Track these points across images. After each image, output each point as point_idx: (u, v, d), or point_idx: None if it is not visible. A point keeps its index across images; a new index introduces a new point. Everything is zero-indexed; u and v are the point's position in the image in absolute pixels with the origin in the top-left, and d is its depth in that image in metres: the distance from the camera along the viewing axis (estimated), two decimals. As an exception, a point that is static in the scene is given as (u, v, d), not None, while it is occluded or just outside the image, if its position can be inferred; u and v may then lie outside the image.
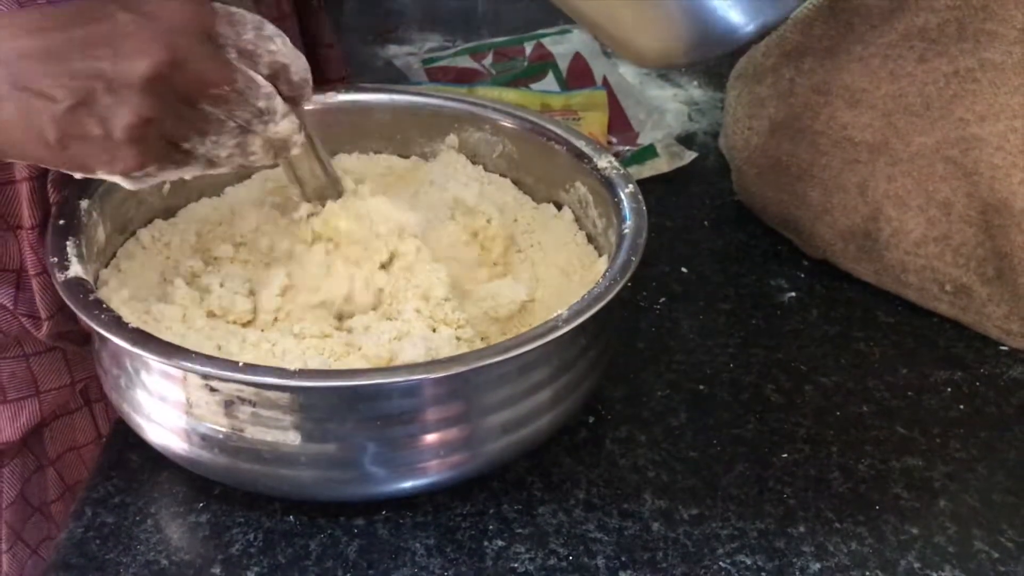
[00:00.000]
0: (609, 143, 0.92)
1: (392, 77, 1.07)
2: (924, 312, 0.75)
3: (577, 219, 0.70)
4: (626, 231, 0.61)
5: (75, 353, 0.68)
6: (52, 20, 0.48)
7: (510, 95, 0.96)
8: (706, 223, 0.85)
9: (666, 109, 0.99)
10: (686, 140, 0.95)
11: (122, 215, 0.65)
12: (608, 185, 0.65)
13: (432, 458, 0.55)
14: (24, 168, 0.60)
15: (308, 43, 0.80)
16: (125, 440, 0.61)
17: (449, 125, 0.73)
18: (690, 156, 0.91)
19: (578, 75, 1.01)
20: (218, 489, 0.59)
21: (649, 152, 0.91)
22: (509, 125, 0.72)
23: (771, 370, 0.70)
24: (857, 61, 0.74)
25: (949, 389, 0.69)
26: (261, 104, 0.51)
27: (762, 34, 0.60)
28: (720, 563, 0.56)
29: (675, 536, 0.57)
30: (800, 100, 0.77)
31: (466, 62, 1.05)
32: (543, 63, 1.03)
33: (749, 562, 0.56)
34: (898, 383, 0.69)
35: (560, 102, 0.97)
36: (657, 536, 0.57)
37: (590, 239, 0.69)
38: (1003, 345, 0.72)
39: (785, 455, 0.63)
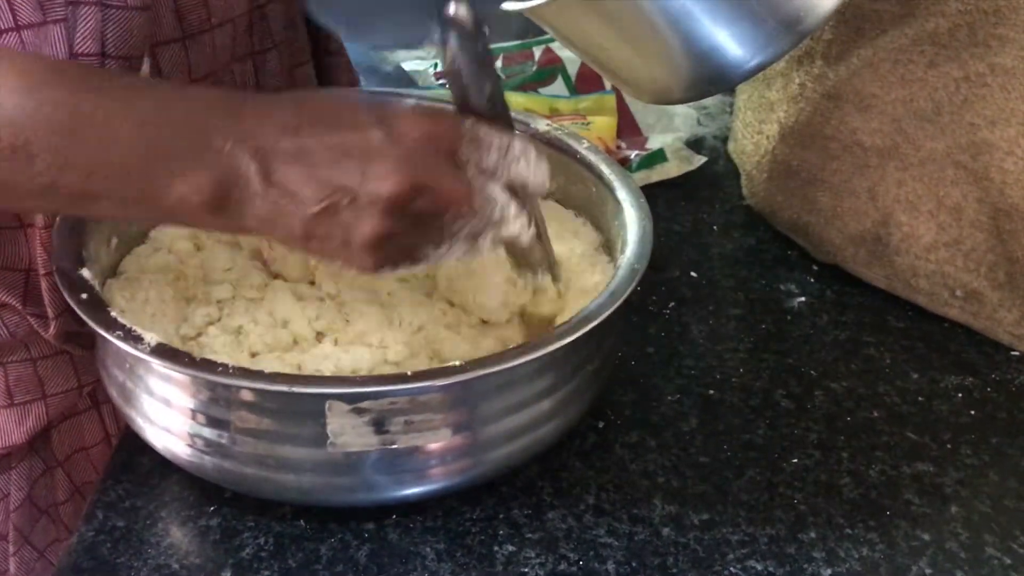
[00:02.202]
0: (618, 147, 0.91)
1: (402, 82, 1.07)
2: (935, 317, 0.75)
3: (587, 223, 0.70)
4: (630, 241, 0.61)
5: (81, 357, 0.68)
6: (308, 120, 0.50)
7: (519, 100, 0.96)
8: (715, 228, 0.85)
9: (675, 113, 0.99)
10: (695, 144, 0.95)
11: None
12: (612, 193, 0.65)
13: (436, 465, 0.55)
14: None
15: (316, 52, 0.80)
16: (136, 444, 0.61)
17: None
18: (699, 160, 0.91)
19: (587, 79, 1.01)
20: (229, 493, 0.59)
21: (658, 156, 0.91)
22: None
23: (781, 375, 0.69)
24: (867, 66, 0.74)
25: (960, 394, 0.68)
26: (495, 216, 0.52)
27: (758, 72, 0.60)
28: (730, 569, 0.56)
29: (685, 542, 0.57)
30: (810, 105, 0.77)
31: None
32: (552, 67, 1.03)
33: (760, 568, 0.56)
34: (909, 388, 0.69)
35: (569, 106, 0.97)
36: (667, 541, 0.57)
37: (603, 245, 0.69)
38: (1014, 350, 0.72)
39: (795, 460, 0.63)
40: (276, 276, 0.64)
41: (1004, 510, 0.60)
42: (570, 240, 0.69)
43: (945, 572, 0.56)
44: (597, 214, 0.69)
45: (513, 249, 0.59)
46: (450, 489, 0.57)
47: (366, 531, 0.57)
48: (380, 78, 1.10)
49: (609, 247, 0.67)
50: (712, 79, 0.60)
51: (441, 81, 1.04)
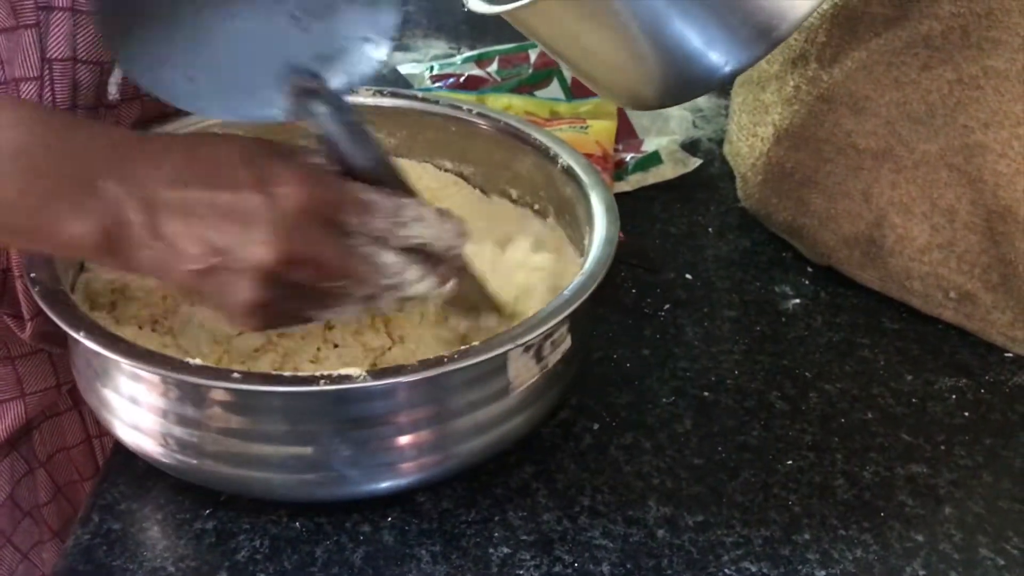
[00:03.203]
0: (615, 150, 0.92)
1: (398, 85, 1.07)
2: (929, 319, 0.75)
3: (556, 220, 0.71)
4: (594, 245, 0.61)
5: (60, 355, 0.68)
6: (195, 173, 0.49)
7: (518, 103, 0.97)
8: (711, 230, 0.85)
9: (670, 116, 0.99)
10: (691, 147, 0.96)
11: None
12: (581, 189, 0.66)
13: (405, 459, 0.56)
14: None
15: None
16: (132, 447, 0.61)
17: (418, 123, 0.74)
18: (695, 163, 0.92)
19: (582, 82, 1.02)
20: (224, 496, 0.59)
21: (654, 159, 0.91)
22: (484, 127, 0.73)
23: (776, 377, 0.70)
24: (861, 68, 0.74)
25: (954, 396, 0.69)
26: (388, 282, 0.51)
27: (734, 77, 0.61)
28: (725, 570, 0.56)
29: (680, 543, 0.58)
30: (804, 107, 0.78)
31: (471, 69, 1.05)
32: (547, 70, 1.03)
33: (754, 569, 0.56)
34: (903, 390, 0.69)
35: (569, 110, 0.97)
36: (662, 543, 0.58)
37: (571, 240, 0.70)
38: (1008, 352, 0.72)
39: (790, 462, 0.63)
40: None
41: (998, 511, 0.60)
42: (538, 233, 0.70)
43: (939, 573, 0.57)
44: (565, 209, 0.69)
45: (452, 300, 0.57)
46: (420, 483, 0.58)
47: (362, 533, 0.58)
48: (376, 81, 1.10)
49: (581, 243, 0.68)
50: (687, 85, 0.61)
51: (438, 84, 1.04)
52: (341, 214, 0.49)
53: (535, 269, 0.65)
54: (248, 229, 0.47)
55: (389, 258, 0.50)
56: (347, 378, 0.51)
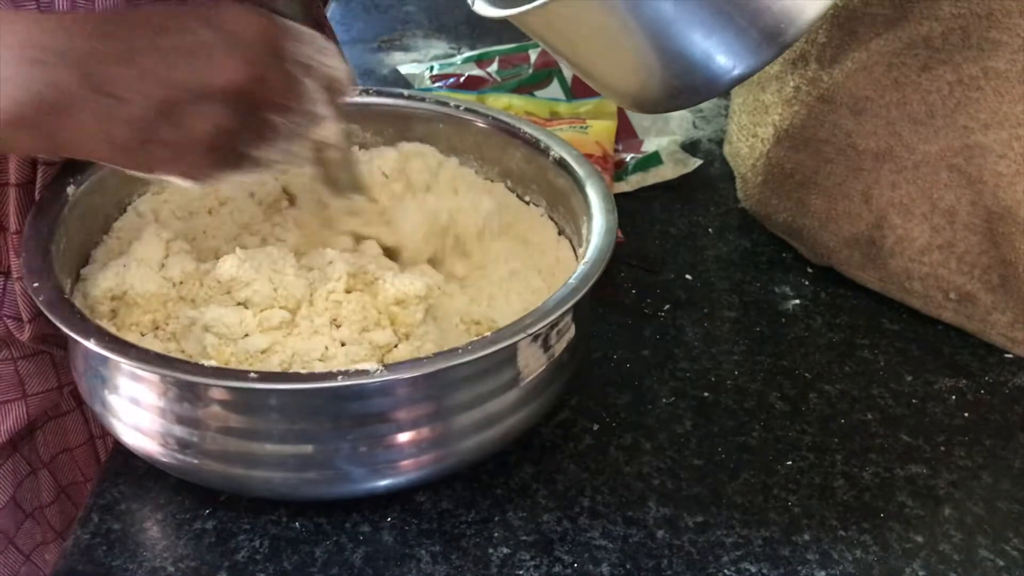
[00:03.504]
0: (615, 150, 0.92)
1: (398, 85, 1.07)
2: (929, 320, 0.75)
3: (551, 217, 0.71)
4: (594, 234, 0.62)
5: (62, 356, 0.68)
6: (128, 26, 0.50)
7: (519, 103, 0.97)
8: (711, 230, 0.85)
9: (670, 116, 0.99)
10: (691, 147, 0.96)
11: (120, 196, 0.67)
12: (579, 186, 0.66)
13: (412, 456, 0.56)
14: (14, 173, 0.61)
15: None
16: (131, 447, 0.61)
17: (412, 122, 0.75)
18: (695, 163, 0.92)
19: (582, 82, 1.01)
20: (224, 496, 0.59)
21: (654, 159, 0.91)
22: (473, 122, 0.73)
23: (776, 378, 0.70)
24: (861, 69, 0.74)
25: (954, 397, 0.69)
26: (315, 110, 0.54)
27: (740, 82, 0.61)
28: (725, 571, 0.56)
29: (680, 544, 0.58)
30: (804, 108, 0.78)
31: (472, 69, 1.05)
32: (547, 70, 1.03)
33: (754, 570, 0.56)
34: (903, 391, 0.69)
35: (569, 110, 0.97)
36: (662, 544, 0.58)
37: (563, 234, 0.70)
38: (1008, 353, 0.72)
39: (790, 463, 0.63)
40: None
41: (997, 512, 0.60)
42: (540, 230, 0.70)
43: (938, 574, 0.57)
44: (559, 201, 0.70)
45: (323, 165, 0.60)
46: (420, 480, 0.58)
47: (361, 533, 0.58)
48: (376, 81, 1.10)
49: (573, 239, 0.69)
50: (694, 89, 0.61)
51: (438, 84, 1.04)
52: (283, 42, 0.52)
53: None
54: (207, 59, 0.49)
55: (311, 86, 0.54)
56: (364, 372, 0.51)
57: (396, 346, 0.61)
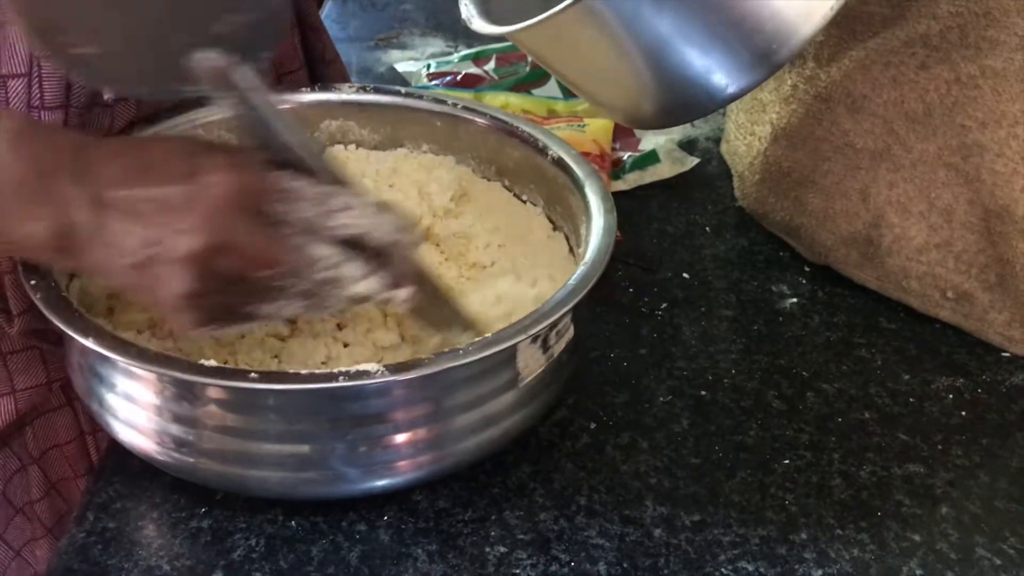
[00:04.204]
0: (612, 149, 0.92)
1: (395, 83, 1.07)
2: (926, 319, 0.75)
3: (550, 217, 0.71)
4: (593, 235, 0.62)
5: (51, 352, 0.68)
6: (139, 170, 0.50)
7: (516, 101, 0.96)
8: (708, 229, 0.85)
9: (668, 115, 0.99)
10: (688, 146, 0.96)
11: None
12: (573, 180, 0.66)
13: (403, 457, 0.56)
14: None
15: (309, 60, 0.81)
16: (127, 445, 0.61)
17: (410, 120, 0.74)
18: (692, 162, 0.91)
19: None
20: (220, 495, 0.59)
21: (651, 158, 0.91)
22: (471, 120, 0.73)
23: (773, 376, 0.70)
24: (859, 68, 0.74)
25: (951, 396, 0.69)
26: (323, 276, 0.50)
27: (733, 101, 0.61)
28: (722, 570, 0.56)
29: (677, 543, 0.57)
30: (802, 106, 0.77)
31: (469, 67, 1.05)
32: (544, 68, 1.03)
33: (751, 569, 0.56)
34: (900, 390, 0.69)
35: (566, 108, 0.97)
36: (659, 543, 0.57)
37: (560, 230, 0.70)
38: (1005, 352, 0.72)
39: (787, 462, 0.63)
40: None
41: (994, 511, 0.60)
42: (534, 231, 0.70)
43: (936, 573, 0.57)
44: (555, 200, 0.70)
45: (414, 310, 0.56)
46: (418, 481, 0.58)
47: (358, 532, 0.57)
48: (374, 79, 1.10)
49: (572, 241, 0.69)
50: (687, 107, 0.62)
51: (435, 82, 1.04)
52: (266, 201, 0.49)
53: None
54: (176, 220, 0.48)
55: (322, 250, 0.50)
56: (365, 374, 0.51)
57: (398, 347, 0.61)
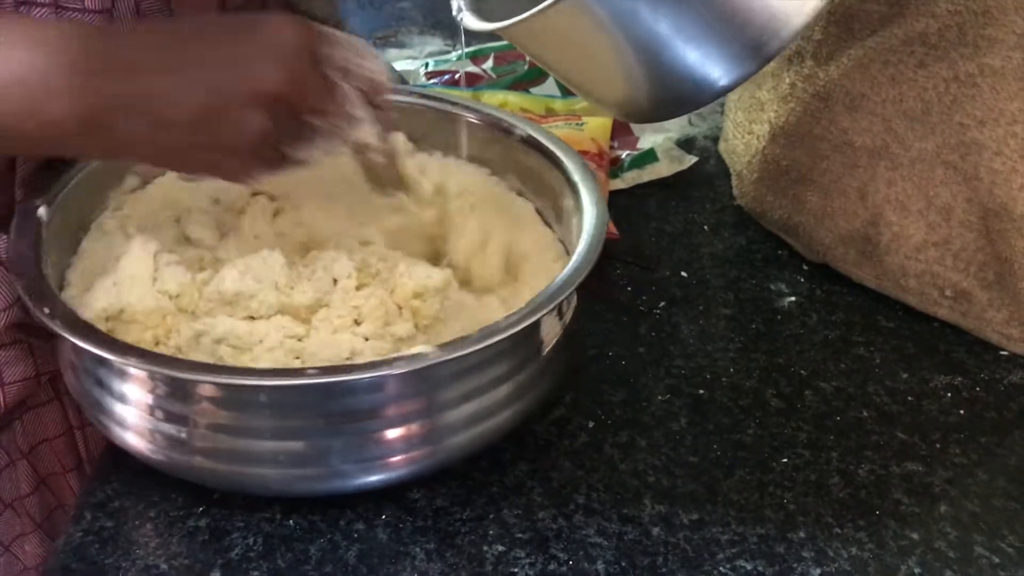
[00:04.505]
0: (610, 147, 0.92)
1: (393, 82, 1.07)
2: (924, 317, 0.75)
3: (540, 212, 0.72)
4: (585, 231, 0.62)
5: (40, 346, 0.68)
6: (175, 37, 0.55)
7: (515, 99, 0.96)
8: (706, 227, 0.85)
9: (666, 113, 0.99)
10: (686, 144, 0.96)
11: (83, 216, 0.66)
12: (572, 186, 0.66)
13: (397, 453, 0.56)
14: None
15: None
16: (124, 444, 0.61)
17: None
18: (690, 160, 0.91)
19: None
20: (217, 494, 0.59)
21: (649, 156, 0.91)
22: (473, 120, 0.73)
23: (771, 375, 0.69)
24: (857, 66, 0.74)
25: (949, 394, 0.69)
26: (353, 112, 0.57)
27: (725, 94, 0.62)
28: (720, 568, 0.56)
29: (675, 541, 0.57)
30: (800, 105, 0.77)
31: (467, 66, 1.05)
32: (538, 64, 1.03)
33: (749, 567, 0.56)
34: (898, 388, 0.69)
35: (565, 106, 0.97)
36: (657, 541, 0.57)
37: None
38: (1003, 350, 0.72)
39: (785, 460, 0.63)
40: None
41: (993, 509, 0.60)
42: (525, 226, 0.70)
43: (934, 571, 0.56)
44: (546, 194, 0.70)
45: (366, 165, 0.62)
46: (412, 476, 0.58)
47: (356, 531, 0.57)
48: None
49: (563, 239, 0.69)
50: (679, 100, 0.62)
51: (433, 80, 1.04)
52: (320, 48, 0.55)
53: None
54: (250, 68, 0.53)
55: (348, 89, 0.57)
56: (422, 356, 0.53)
57: (414, 337, 0.61)
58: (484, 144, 0.74)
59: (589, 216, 0.63)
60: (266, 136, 0.54)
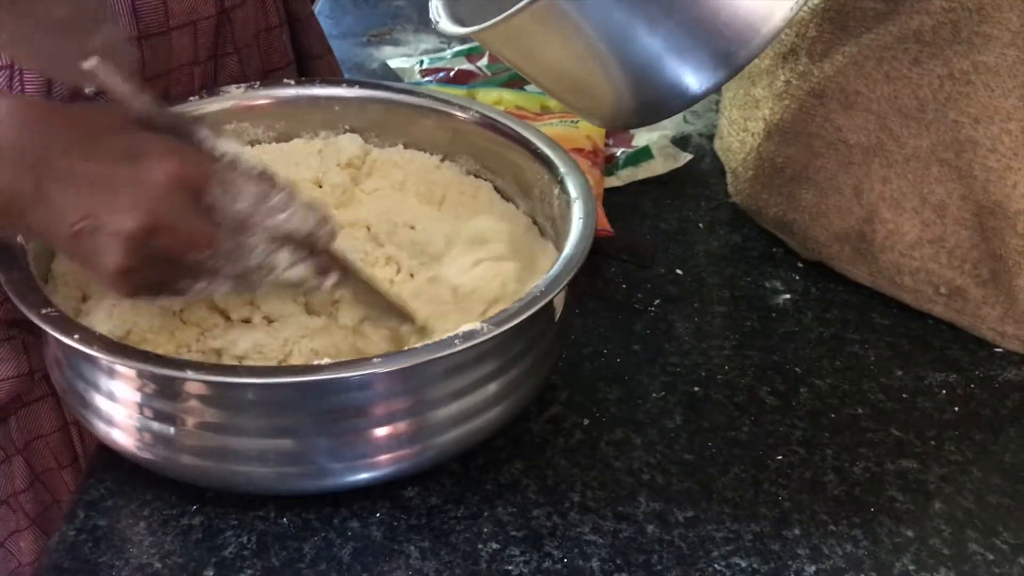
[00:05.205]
0: (605, 145, 0.91)
1: (388, 79, 1.07)
2: (919, 314, 0.75)
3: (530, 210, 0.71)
4: (574, 221, 0.62)
5: (33, 342, 0.68)
6: (81, 141, 0.52)
7: (509, 96, 0.96)
8: (701, 225, 0.85)
9: (661, 111, 0.99)
10: (681, 142, 0.95)
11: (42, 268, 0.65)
12: (561, 184, 0.66)
13: (384, 451, 0.56)
14: None
15: (299, 55, 0.80)
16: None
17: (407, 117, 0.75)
18: (685, 158, 0.91)
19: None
20: (211, 492, 0.59)
21: (644, 154, 0.91)
22: (464, 118, 0.73)
23: (766, 372, 0.69)
24: (852, 63, 0.74)
25: (944, 391, 0.69)
26: (254, 263, 0.53)
27: (701, 99, 0.63)
28: (715, 566, 0.56)
29: (670, 539, 0.57)
30: (795, 102, 0.77)
31: (461, 63, 1.05)
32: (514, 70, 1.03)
33: (744, 565, 0.56)
34: (893, 385, 0.69)
35: (559, 105, 0.96)
36: (652, 539, 0.57)
37: (542, 231, 0.70)
38: (997, 347, 0.72)
39: (780, 457, 0.63)
40: None
41: (987, 506, 0.60)
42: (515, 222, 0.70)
43: (929, 568, 0.56)
44: (530, 191, 0.70)
45: (356, 299, 0.60)
46: (402, 474, 0.57)
47: (350, 529, 0.57)
48: (366, 75, 1.09)
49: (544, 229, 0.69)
50: (651, 109, 0.64)
51: (428, 78, 1.04)
52: (207, 190, 0.52)
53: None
54: (116, 197, 0.50)
55: (254, 239, 0.53)
56: (448, 343, 0.52)
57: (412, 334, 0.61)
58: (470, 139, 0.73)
59: (567, 170, 0.63)
60: (124, 272, 0.51)
